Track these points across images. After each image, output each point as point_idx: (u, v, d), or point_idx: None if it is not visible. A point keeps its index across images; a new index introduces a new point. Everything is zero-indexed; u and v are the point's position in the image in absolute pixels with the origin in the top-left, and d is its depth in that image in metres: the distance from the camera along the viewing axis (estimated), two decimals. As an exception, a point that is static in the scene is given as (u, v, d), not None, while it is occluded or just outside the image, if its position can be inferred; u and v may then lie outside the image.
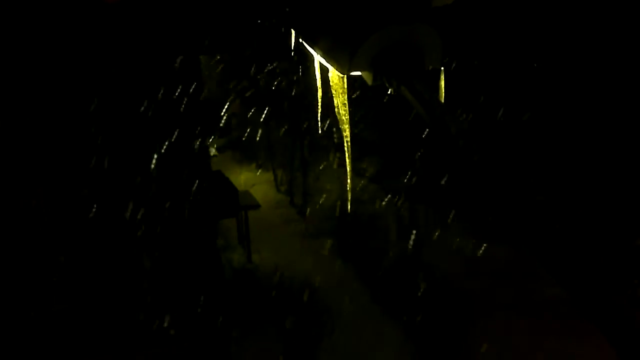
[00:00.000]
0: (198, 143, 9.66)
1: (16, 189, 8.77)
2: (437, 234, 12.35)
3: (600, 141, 12.67)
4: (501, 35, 12.53)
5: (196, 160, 9.68)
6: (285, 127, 14.84)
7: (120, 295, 9.17)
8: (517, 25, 12.48)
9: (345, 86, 2.60)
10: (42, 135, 8.60)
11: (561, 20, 12.45)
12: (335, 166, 14.51)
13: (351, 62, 2.37)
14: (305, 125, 13.82)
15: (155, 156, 9.29)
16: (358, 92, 9.08)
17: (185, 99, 9.34)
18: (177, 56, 9.22)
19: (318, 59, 2.85)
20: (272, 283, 10.93)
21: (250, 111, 15.89)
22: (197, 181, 9.66)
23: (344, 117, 2.72)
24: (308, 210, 13.97)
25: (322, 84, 3.13)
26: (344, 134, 2.81)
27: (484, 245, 11.87)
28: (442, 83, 2.61)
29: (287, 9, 3.21)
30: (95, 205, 9.06)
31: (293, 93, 13.88)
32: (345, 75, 2.51)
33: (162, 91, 9.05)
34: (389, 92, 2.42)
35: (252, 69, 14.68)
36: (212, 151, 11.72)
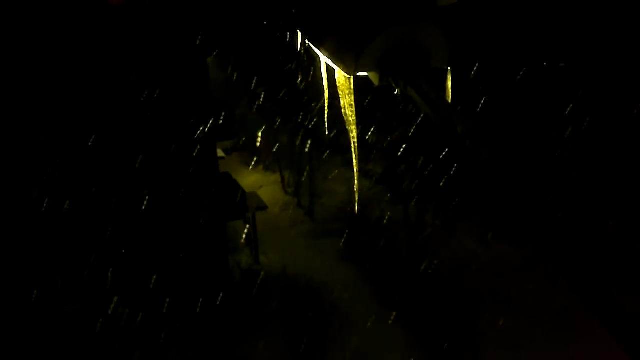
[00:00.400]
0: (205, 145, 9.68)
1: (27, 189, 8.82)
2: (444, 234, 12.31)
3: (608, 141, 12.60)
4: (507, 33, 12.49)
5: (204, 162, 9.71)
6: (293, 128, 14.84)
7: (128, 297, 9.20)
8: (522, 23, 12.44)
9: (352, 87, 2.59)
10: (54, 138, 8.65)
11: (566, 18, 12.40)
12: (342, 168, 14.50)
13: (357, 63, 2.37)
14: (312, 127, 13.82)
15: (164, 159, 9.32)
16: (369, 97, 9.08)
17: (193, 101, 9.37)
18: (183, 58, 9.25)
19: (324, 60, 2.85)
20: (280, 284, 10.93)
21: (258, 113, 15.90)
22: (205, 184, 9.68)
23: (350, 119, 2.72)
24: (315, 211, 13.96)
25: (328, 85, 3.13)
26: (351, 135, 2.81)
27: (491, 245, 11.83)
28: (449, 83, 2.60)
29: (294, 11, 3.21)
30: (103, 208, 9.09)
31: (300, 94, 13.88)
32: (352, 76, 2.51)
33: (169, 93, 9.08)
34: (395, 93, 2.41)
35: (259, 70, 14.70)
36: (220, 153, 11.72)
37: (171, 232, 9.55)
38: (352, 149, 2.89)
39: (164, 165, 9.36)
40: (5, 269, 8.72)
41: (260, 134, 15.68)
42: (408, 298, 10.25)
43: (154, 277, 9.25)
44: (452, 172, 11.20)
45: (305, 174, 14.58)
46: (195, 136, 9.34)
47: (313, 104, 13.04)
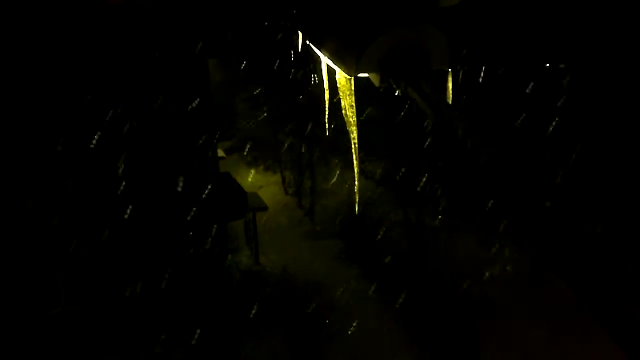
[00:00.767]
0: (206, 145, 9.69)
1: (26, 190, 8.82)
2: (444, 236, 12.31)
3: (609, 143, 12.60)
4: (508, 34, 12.49)
5: (204, 162, 9.71)
6: (293, 128, 14.84)
7: (128, 297, 9.20)
8: (524, 24, 12.43)
9: (353, 88, 2.59)
10: (54, 138, 8.65)
11: (567, 19, 12.39)
12: (342, 168, 14.49)
13: (358, 64, 2.37)
14: (312, 127, 13.82)
15: (164, 159, 9.32)
16: (370, 97, 9.07)
17: (193, 102, 9.37)
18: (183, 58, 9.25)
19: (325, 60, 2.86)
20: (280, 284, 10.93)
21: (258, 113, 15.89)
22: (205, 183, 9.68)
23: (351, 119, 2.72)
24: (315, 212, 13.95)
25: (329, 85, 3.14)
26: (352, 136, 2.81)
27: (493, 248, 11.82)
28: (450, 84, 2.60)
29: (295, 12, 3.22)
30: (103, 208, 9.10)
31: (300, 95, 13.89)
32: (353, 77, 2.51)
33: (169, 94, 9.08)
34: (396, 94, 2.42)
35: (259, 70, 14.71)
36: (220, 153, 11.71)
37: (171, 232, 9.55)
38: (353, 150, 2.89)
39: (164, 165, 9.36)
40: (5, 269, 8.72)
41: (260, 134, 15.69)
42: (408, 298, 10.25)
43: (154, 277, 9.26)
44: (452, 173, 11.20)
45: (305, 174, 14.58)
46: (196, 136, 9.35)
47: (313, 105, 13.02)
